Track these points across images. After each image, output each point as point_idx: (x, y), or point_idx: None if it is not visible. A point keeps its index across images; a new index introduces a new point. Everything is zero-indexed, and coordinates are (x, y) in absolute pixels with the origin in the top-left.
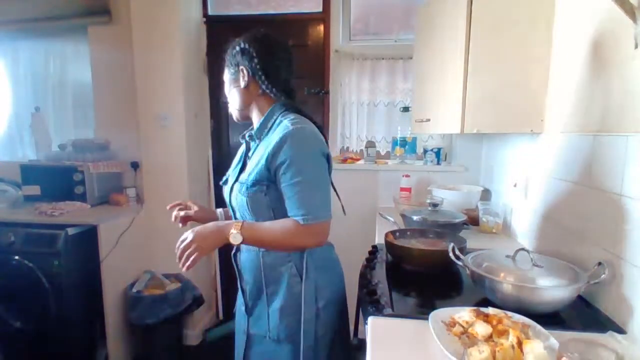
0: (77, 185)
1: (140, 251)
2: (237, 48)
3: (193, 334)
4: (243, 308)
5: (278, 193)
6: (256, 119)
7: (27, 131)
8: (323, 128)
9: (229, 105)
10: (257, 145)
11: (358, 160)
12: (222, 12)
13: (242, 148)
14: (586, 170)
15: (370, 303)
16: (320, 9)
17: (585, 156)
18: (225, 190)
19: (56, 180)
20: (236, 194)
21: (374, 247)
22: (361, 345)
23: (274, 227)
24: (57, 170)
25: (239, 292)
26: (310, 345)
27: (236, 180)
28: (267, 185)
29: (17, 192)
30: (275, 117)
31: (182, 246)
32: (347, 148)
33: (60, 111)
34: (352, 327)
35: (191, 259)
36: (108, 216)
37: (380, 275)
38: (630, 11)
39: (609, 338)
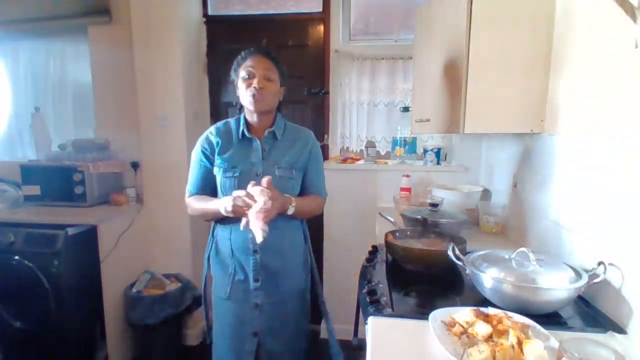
0: (77, 185)
1: (140, 251)
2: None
3: (193, 334)
4: (247, 287)
5: (301, 175)
6: (270, 118)
7: (27, 131)
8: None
9: (263, 99)
10: (278, 141)
11: (358, 160)
12: (222, 12)
13: (256, 143)
14: (586, 170)
15: (370, 303)
16: (320, 9)
17: (586, 156)
18: (249, 176)
19: (56, 180)
20: (279, 178)
21: (374, 247)
22: (361, 345)
23: (311, 201)
24: (57, 170)
25: (233, 277)
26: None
27: (274, 167)
28: (301, 170)
29: (17, 192)
30: (284, 120)
31: (265, 206)
32: (347, 148)
33: (60, 111)
34: (352, 327)
35: (269, 215)
36: (108, 216)
37: (380, 275)
38: (630, 11)
39: (609, 338)
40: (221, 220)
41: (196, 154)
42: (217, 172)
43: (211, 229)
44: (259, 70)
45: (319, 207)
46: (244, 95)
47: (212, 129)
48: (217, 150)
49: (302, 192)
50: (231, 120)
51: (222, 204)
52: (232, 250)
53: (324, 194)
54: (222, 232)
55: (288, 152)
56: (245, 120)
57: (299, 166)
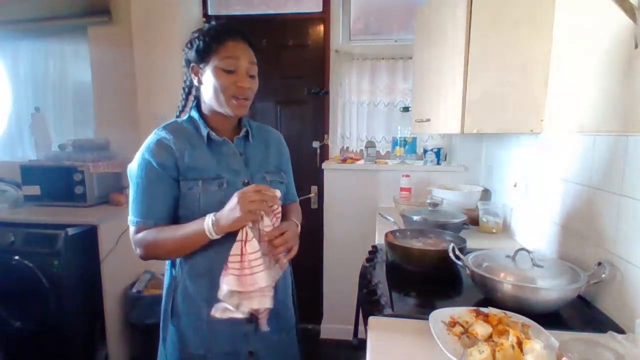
0: (77, 185)
1: None
2: None
3: None
4: (235, 334)
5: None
6: (235, 118)
7: (27, 131)
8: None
9: (248, 103)
10: (249, 142)
11: (358, 160)
12: (222, 12)
13: (230, 147)
14: (586, 170)
15: (370, 303)
16: (320, 9)
17: (586, 156)
18: (236, 186)
19: (56, 180)
20: (271, 184)
21: (374, 247)
22: (361, 345)
23: (299, 212)
24: (57, 170)
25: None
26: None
27: (262, 173)
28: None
29: (17, 192)
30: (246, 118)
31: (290, 242)
32: (347, 148)
33: (60, 111)
34: (352, 327)
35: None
36: (108, 216)
37: (380, 275)
38: (630, 11)
39: (609, 338)
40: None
41: (146, 168)
42: (189, 187)
43: (168, 268)
44: (244, 63)
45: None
46: (220, 93)
47: (161, 131)
48: (183, 157)
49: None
50: (181, 121)
51: (213, 220)
52: (210, 290)
53: (297, 198)
54: (194, 267)
55: (268, 154)
56: (204, 119)
57: (284, 169)
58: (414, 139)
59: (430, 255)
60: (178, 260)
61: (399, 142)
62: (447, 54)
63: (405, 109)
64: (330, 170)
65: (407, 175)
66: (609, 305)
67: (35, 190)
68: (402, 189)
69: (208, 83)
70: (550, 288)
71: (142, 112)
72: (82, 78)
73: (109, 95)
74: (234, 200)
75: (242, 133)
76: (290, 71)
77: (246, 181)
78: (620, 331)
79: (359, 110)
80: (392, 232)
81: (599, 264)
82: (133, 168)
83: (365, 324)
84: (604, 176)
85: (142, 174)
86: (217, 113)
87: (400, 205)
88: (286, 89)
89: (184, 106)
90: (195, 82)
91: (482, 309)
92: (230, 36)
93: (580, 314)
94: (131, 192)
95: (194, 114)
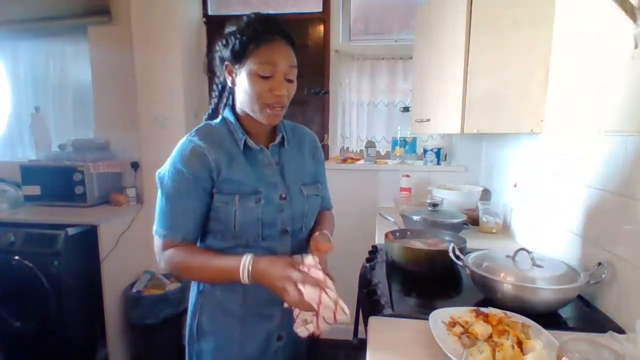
0: (77, 185)
1: (140, 251)
2: None
3: None
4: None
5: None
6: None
7: (27, 131)
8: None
9: (284, 111)
10: (284, 148)
11: (358, 160)
12: (222, 12)
13: (266, 155)
14: (586, 170)
15: (370, 303)
16: (320, 9)
17: (585, 156)
18: (273, 202)
19: (56, 180)
20: (307, 199)
21: (374, 247)
22: (361, 345)
23: (332, 220)
24: (57, 170)
25: (242, 346)
26: None
27: (299, 186)
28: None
29: (17, 192)
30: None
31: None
32: (347, 148)
33: (60, 111)
34: (352, 327)
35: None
36: (108, 216)
37: (380, 275)
38: (630, 11)
39: (609, 338)
40: None
41: (177, 178)
42: (225, 202)
43: (194, 282)
44: (283, 67)
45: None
46: (254, 100)
47: (194, 137)
48: (219, 169)
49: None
50: (214, 124)
51: (250, 271)
52: (244, 307)
53: (331, 208)
54: (228, 285)
55: (304, 162)
56: (241, 124)
57: (320, 178)
58: (414, 139)
59: (430, 255)
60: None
61: (399, 142)
62: (447, 54)
63: (405, 109)
64: (330, 170)
65: (407, 175)
66: (609, 305)
67: (35, 190)
68: (402, 189)
69: (242, 86)
70: (550, 288)
71: (142, 112)
72: (82, 78)
73: (109, 95)
74: (281, 281)
75: (278, 139)
76: None
77: (283, 196)
78: (621, 331)
79: (359, 110)
80: (392, 232)
81: (599, 264)
82: (163, 175)
83: (365, 324)
84: (605, 176)
85: (173, 184)
86: (250, 117)
87: (400, 205)
88: None
89: (217, 106)
90: (229, 83)
91: (482, 309)
92: (270, 37)
93: (580, 314)
94: (159, 200)
95: (229, 115)
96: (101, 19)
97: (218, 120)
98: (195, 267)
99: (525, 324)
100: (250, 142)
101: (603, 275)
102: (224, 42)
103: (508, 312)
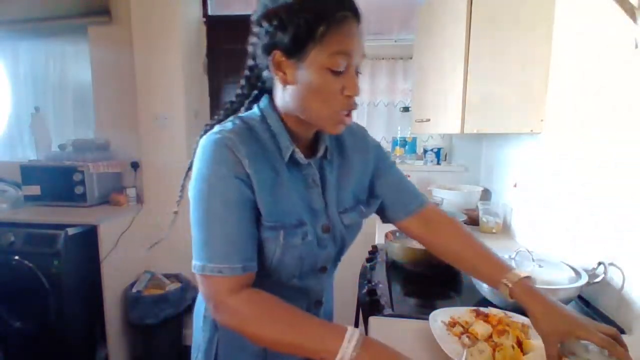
0: (77, 185)
1: (140, 251)
2: None
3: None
4: None
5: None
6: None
7: (27, 131)
8: None
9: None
10: (326, 161)
11: None
12: (222, 12)
13: (312, 172)
14: (586, 170)
15: (370, 303)
16: None
17: (586, 156)
18: (317, 236)
19: (56, 180)
20: (347, 229)
21: (374, 247)
22: None
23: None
24: (57, 170)
25: None
26: None
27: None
28: (367, 192)
29: (17, 192)
30: None
31: None
32: None
33: (60, 111)
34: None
35: None
36: (108, 216)
37: (380, 275)
38: (630, 11)
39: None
40: None
41: (225, 184)
42: (265, 236)
43: (202, 314)
44: (357, 57)
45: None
46: (322, 105)
47: (230, 137)
48: (263, 191)
49: (394, 211)
50: (254, 123)
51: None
52: None
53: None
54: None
55: (348, 176)
56: (287, 129)
57: (364, 194)
58: (414, 139)
59: (430, 255)
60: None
61: (399, 142)
62: (447, 53)
63: (405, 109)
64: None
65: (407, 175)
66: (609, 305)
67: (35, 190)
68: None
69: (303, 86)
70: (551, 288)
71: (142, 112)
72: (82, 78)
73: (109, 95)
74: None
75: (322, 151)
76: None
77: (326, 227)
78: (621, 331)
79: (358, 110)
80: (392, 232)
81: (599, 264)
82: (199, 188)
83: (366, 324)
84: (604, 176)
85: (220, 192)
86: (299, 120)
87: None
88: None
89: (245, 100)
90: (277, 79)
91: (482, 309)
92: (342, 14)
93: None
94: (198, 224)
95: (269, 113)
96: (101, 19)
97: (253, 114)
98: (277, 332)
99: (525, 324)
100: (300, 157)
101: (603, 275)
102: (274, 22)
103: (508, 312)
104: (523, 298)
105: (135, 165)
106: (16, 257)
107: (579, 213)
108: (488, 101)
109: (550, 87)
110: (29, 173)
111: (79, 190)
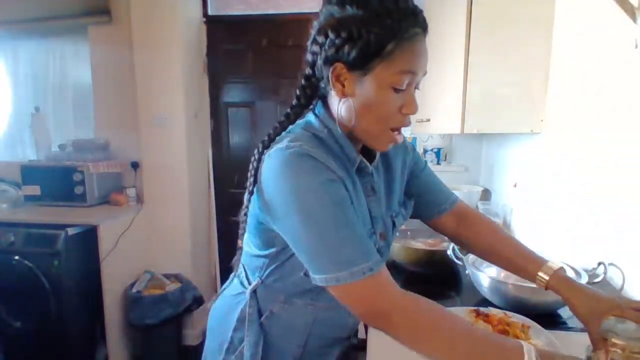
0: (77, 185)
1: (140, 251)
2: None
3: (193, 334)
4: None
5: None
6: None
7: (27, 131)
8: None
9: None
10: (376, 169)
11: None
12: (222, 12)
13: (372, 181)
14: (586, 170)
15: None
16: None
17: (585, 156)
18: (377, 243)
19: (56, 180)
20: (400, 225)
21: None
22: (361, 345)
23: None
24: (57, 170)
25: None
26: None
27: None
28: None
29: (17, 192)
30: None
31: None
32: None
33: (60, 111)
34: None
35: None
36: (108, 216)
37: None
38: (630, 11)
39: None
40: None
41: (333, 187)
42: None
43: (252, 330)
44: (420, 76)
45: None
46: (382, 121)
47: (309, 149)
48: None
49: (429, 210)
50: (322, 135)
51: None
52: (305, 347)
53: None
54: (289, 317)
55: (393, 182)
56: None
57: (403, 196)
58: (414, 139)
59: (430, 255)
60: (270, 308)
61: None
62: (447, 53)
63: None
64: None
65: None
66: None
67: (35, 190)
68: None
69: (362, 101)
70: None
71: (142, 112)
72: (82, 78)
73: (109, 96)
74: None
75: (378, 159)
76: (290, 71)
77: (382, 234)
78: None
79: None
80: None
81: (599, 264)
82: (303, 201)
83: (366, 324)
84: (604, 176)
85: (329, 196)
86: (351, 130)
87: None
88: (286, 89)
89: (303, 110)
90: (335, 92)
91: (482, 309)
92: (413, 31)
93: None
94: (317, 237)
95: (331, 124)
96: (101, 19)
97: (314, 124)
98: (463, 336)
99: (525, 324)
100: (365, 164)
101: (603, 275)
102: (342, 35)
103: (508, 312)
104: (560, 288)
105: (135, 165)
106: (16, 257)
107: (579, 213)
108: (488, 101)
109: (550, 87)
110: (29, 173)
111: (78, 190)
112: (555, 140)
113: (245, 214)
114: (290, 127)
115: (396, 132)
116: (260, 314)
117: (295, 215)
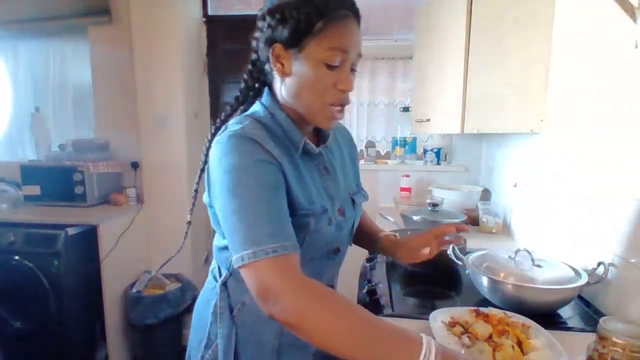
0: (77, 185)
1: (140, 251)
2: None
3: None
4: None
5: None
6: None
7: (27, 131)
8: None
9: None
10: (328, 150)
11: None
12: (222, 12)
13: (323, 161)
14: (586, 170)
15: (370, 303)
16: None
17: (585, 156)
18: (336, 219)
19: (56, 180)
20: (356, 209)
21: None
22: None
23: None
24: (57, 170)
25: None
26: None
27: (351, 194)
28: None
29: (17, 192)
30: None
31: None
32: None
33: (60, 111)
34: None
35: None
36: (108, 216)
37: (380, 275)
38: (630, 11)
39: None
40: None
41: (261, 166)
42: (296, 225)
43: (223, 322)
44: (353, 55)
45: None
46: (314, 97)
47: (253, 133)
48: (288, 177)
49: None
50: (265, 120)
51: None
52: (281, 337)
53: None
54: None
55: (345, 162)
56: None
57: (359, 179)
58: (414, 139)
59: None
60: (242, 300)
61: (398, 142)
62: (447, 53)
63: (405, 109)
64: None
65: (407, 175)
66: (609, 305)
67: (35, 190)
68: (402, 189)
69: (298, 78)
70: (551, 288)
71: (142, 112)
72: (82, 78)
73: (109, 95)
74: None
75: (330, 140)
76: None
77: (341, 210)
78: None
79: (358, 110)
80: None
81: (599, 264)
82: (233, 178)
83: None
84: (604, 176)
85: (259, 176)
86: (297, 113)
87: (400, 205)
88: None
89: (248, 96)
90: (275, 71)
91: (482, 309)
92: (342, 12)
93: (580, 314)
94: (237, 214)
95: (275, 109)
96: (101, 19)
97: (260, 111)
98: (362, 322)
99: (525, 324)
100: (311, 146)
101: (603, 275)
102: (277, 16)
103: (508, 312)
104: (389, 246)
105: (135, 165)
106: (16, 257)
107: (579, 213)
108: (488, 101)
109: (550, 86)
110: (29, 173)
111: (78, 190)
112: (555, 140)
113: (195, 190)
114: (241, 115)
115: (337, 109)
116: (232, 307)
117: (224, 193)
